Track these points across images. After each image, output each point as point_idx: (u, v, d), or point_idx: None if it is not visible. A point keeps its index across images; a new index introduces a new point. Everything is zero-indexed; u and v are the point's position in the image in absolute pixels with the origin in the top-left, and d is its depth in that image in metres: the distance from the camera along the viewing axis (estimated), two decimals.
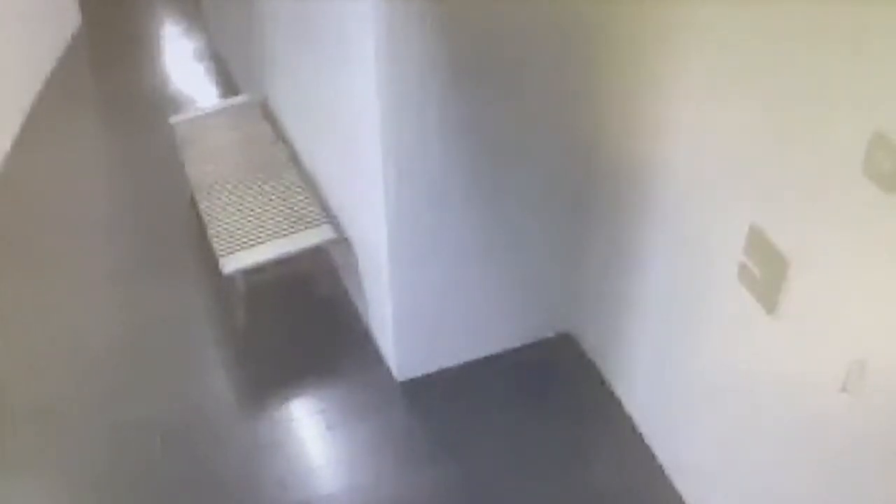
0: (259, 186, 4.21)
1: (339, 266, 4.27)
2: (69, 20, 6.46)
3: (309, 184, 4.23)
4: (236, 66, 5.66)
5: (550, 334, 3.94)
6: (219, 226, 4.02)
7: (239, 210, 4.09)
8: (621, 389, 3.67)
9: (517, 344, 3.90)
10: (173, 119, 4.81)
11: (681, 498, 3.32)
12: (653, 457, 3.47)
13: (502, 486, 3.44)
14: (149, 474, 3.54)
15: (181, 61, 6.34)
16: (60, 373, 3.96)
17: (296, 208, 4.05)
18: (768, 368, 2.64)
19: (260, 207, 4.08)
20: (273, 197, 4.13)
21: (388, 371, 3.87)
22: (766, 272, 2.52)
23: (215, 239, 3.96)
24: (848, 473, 2.41)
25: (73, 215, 4.86)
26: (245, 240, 3.93)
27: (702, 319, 2.96)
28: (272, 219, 4.01)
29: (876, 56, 2.02)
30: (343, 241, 4.00)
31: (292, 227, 3.96)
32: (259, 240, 3.92)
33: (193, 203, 4.33)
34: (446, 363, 3.84)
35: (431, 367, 3.83)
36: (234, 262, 3.86)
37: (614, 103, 3.15)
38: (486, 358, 3.86)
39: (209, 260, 4.03)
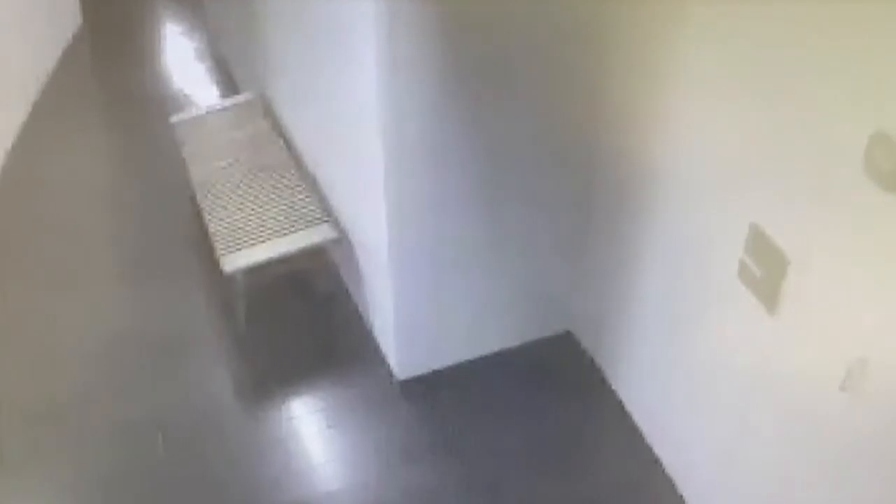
0: (260, 185, 4.21)
1: (340, 265, 4.27)
2: (70, 20, 6.45)
3: (310, 183, 4.24)
4: (237, 65, 5.66)
5: (550, 333, 3.95)
6: (219, 225, 4.03)
7: (240, 209, 4.09)
8: (621, 389, 3.68)
9: (517, 343, 3.90)
10: (174, 118, 4.81)
11: (681, 497, 3.33)
12: (653, 456, 3.48)
13: (502, 485, 3.45)
14: (150, 473, 3.54)
15: (182, 61, 6.34)
16: (62, 372, 3.97)
17: (296, 207, 4.06)
18: (768, 367, 2.64)
19: (261, 206, 4.09)
20: (274, 196, 4.14)
21: (388, 369, 3.87)
22: (767, 271, 2.52)
23: (216, 238, 3.97)
24: (848, 472, 2.42)
25: (74, 215, 4.86)
26: (246, 239, 3.93)
27: (702, 318, 2.97)
28: (273, 218, 4.02)
29: (876, 56, 2.02)
30: (344, 241, 4.00)
31: (293, 227, 3.96)
32: (260, 239, 3.93)
33: (194, 202, 4.33)
34: (447, 362, 3.84)
35: (432, 366, 3.83)
36: (234, 261, 3.86)
37: (615, 103, 3.16)
38: (486, 357, 3.87)
39: (210, 259, 4.03)
